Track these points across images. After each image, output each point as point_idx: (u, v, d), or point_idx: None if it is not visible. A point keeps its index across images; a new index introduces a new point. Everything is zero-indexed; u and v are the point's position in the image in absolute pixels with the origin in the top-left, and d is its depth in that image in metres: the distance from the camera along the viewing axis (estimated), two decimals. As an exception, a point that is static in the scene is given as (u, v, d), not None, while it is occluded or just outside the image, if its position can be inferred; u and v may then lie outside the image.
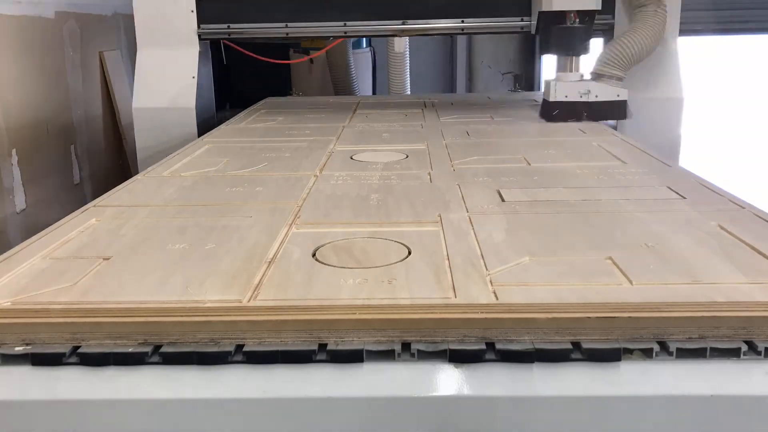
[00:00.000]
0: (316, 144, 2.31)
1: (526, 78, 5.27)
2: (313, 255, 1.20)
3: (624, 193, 1.58)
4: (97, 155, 3.84)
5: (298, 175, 1.84)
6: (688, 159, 2.93)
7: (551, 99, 2.64)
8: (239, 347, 0.95)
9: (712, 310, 0.95)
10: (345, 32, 3.05)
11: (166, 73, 2.93)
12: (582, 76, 2.69)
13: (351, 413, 0.90)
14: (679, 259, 1.14)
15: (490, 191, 1.63)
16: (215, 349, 0.94)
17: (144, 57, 2.96)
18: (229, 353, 0.94)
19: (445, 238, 1.28)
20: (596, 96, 2.62)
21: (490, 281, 1.06)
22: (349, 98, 4.02)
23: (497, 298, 1.00)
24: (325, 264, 1.16)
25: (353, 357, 0.93)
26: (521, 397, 0.89)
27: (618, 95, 2.63)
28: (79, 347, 0.95)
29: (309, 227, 1.37)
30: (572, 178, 1.75)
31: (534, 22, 2.87)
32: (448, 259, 1.17)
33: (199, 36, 2.97)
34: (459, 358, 0.93)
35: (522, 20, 2.98)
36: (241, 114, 3.19)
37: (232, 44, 3.42)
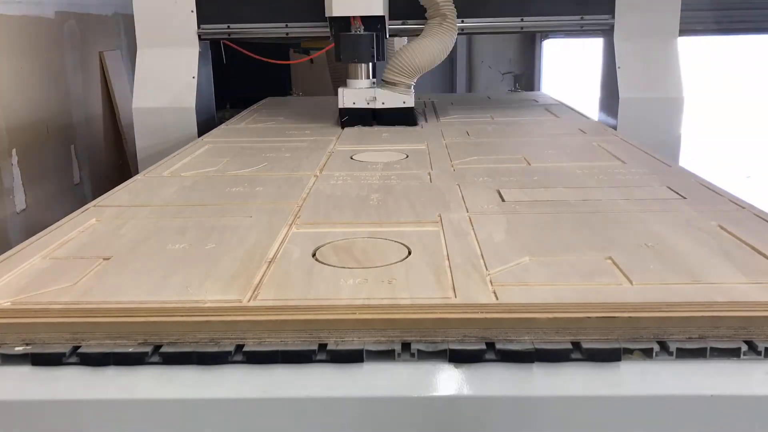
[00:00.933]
0: (316, 144, 2.31)
1: (526, 78, 5.28)
2: (313, 255, 1.20)
3: (624, 193, 1.58)
4: (97, 155, 3.84)
5: (298, 175, 1.84)
6: (688, 160, 2.93)
7: (339, 105, 2.68)
8: (239, 347, 0.95)
9: (712, 310, 0.95)
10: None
11: (167, 73, 2.92)
12: (374, 83, 2.71)
13: (351, 413, 0.90)
14: (679, 259, 1.14)
15: (490, 191, 1.62)
16: (215, 349, 0.94)
17: (144, 57, 2.94)
18: (229, 353, 0.94)
19: (445, 238, 1.28)
20: (383, 103, 2.66)
21: (490, 281, 1.06)
22: (349, 98, 4.01)
23: (497, 298, 1.00)
24: (325, 264, 1.15)
25: (353, 357, 0.93)
26: (521, 397, 0.89)
27: (404, 102, 2.66)
28: (79, 347, 0.95)
29: (309, 227, 1.37)
30: (572, 178, 1.75)
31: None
32: (448, 259, 1.17)
33: (199, 36, 2.96)
34: (459, 358, 0.93)
35: (522, 20, 2.98)
36: (241, 114, 3.19)
37: (231, 44, 3.41)
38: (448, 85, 5.52)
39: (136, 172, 2.04)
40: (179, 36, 2.93)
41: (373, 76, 2.76)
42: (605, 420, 0.89)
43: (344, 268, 1.13)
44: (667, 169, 1.84)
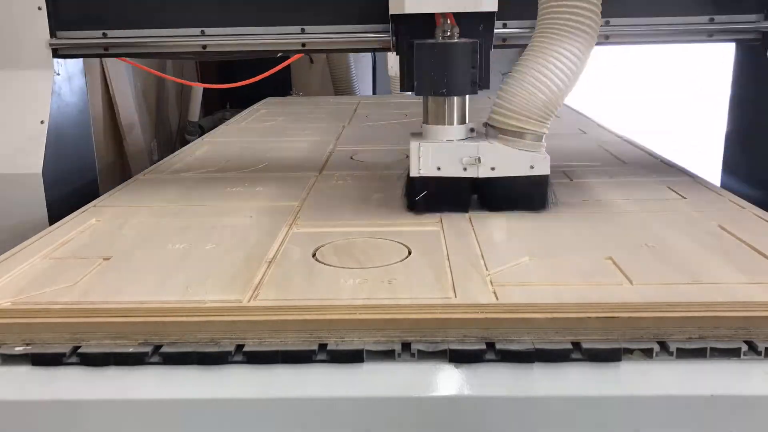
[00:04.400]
0: (316, 144, 2.31)
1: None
2: (313, 255, 1.20)
3: (624, 193, 1.58)
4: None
5: (298, 175, 1.84)
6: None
7: (412, 173, 1.45)
8: (239, 347, 0.95)
9: (712, 310, 0.95)
10: (303, 44, 1.77)
11: None
12: (472, 130, 1.52)
13: (351, 413, 0.90)
14: (679, 259, 1.14)
15: (490, 191, 1.62)
16: (215, 349, 0.94)
17: None
18: (229, 353, 0.94)
19: (445, 238, 1.28)
20: (492, 168, 1.43)
21: (490, 281, 1.06)
22: (349, 98, 4.02)
23: (497, 298, 1.00)
24: (325, 264, 1.16)
25: (353, 357, 0.93)
26: (521, 397, 0.89)
27: (532, 166, 1.43)
28: (79, 347, 0.95)
29: (309, 227, 1.37)
30: (572, 178, 1.75)
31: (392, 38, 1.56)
32: (448, 259, 1.17)
33: (54, 50, 1.76)
34: (459, 358, 0.93)
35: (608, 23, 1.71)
36: (241, 114, 3.20)
37: (132, 62, 2.31)
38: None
39: (137, 172, 2.03)
40: (20, 51, 1.75)
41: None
42: (605, 420, 0.89)
43: (344, 268, 1.13)
44: (667, 169, 1.84)
